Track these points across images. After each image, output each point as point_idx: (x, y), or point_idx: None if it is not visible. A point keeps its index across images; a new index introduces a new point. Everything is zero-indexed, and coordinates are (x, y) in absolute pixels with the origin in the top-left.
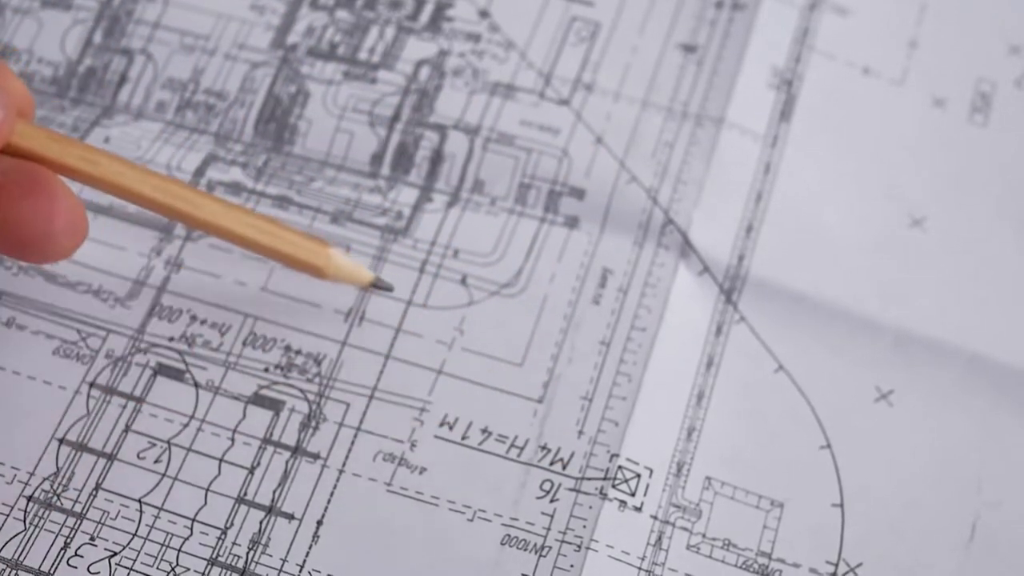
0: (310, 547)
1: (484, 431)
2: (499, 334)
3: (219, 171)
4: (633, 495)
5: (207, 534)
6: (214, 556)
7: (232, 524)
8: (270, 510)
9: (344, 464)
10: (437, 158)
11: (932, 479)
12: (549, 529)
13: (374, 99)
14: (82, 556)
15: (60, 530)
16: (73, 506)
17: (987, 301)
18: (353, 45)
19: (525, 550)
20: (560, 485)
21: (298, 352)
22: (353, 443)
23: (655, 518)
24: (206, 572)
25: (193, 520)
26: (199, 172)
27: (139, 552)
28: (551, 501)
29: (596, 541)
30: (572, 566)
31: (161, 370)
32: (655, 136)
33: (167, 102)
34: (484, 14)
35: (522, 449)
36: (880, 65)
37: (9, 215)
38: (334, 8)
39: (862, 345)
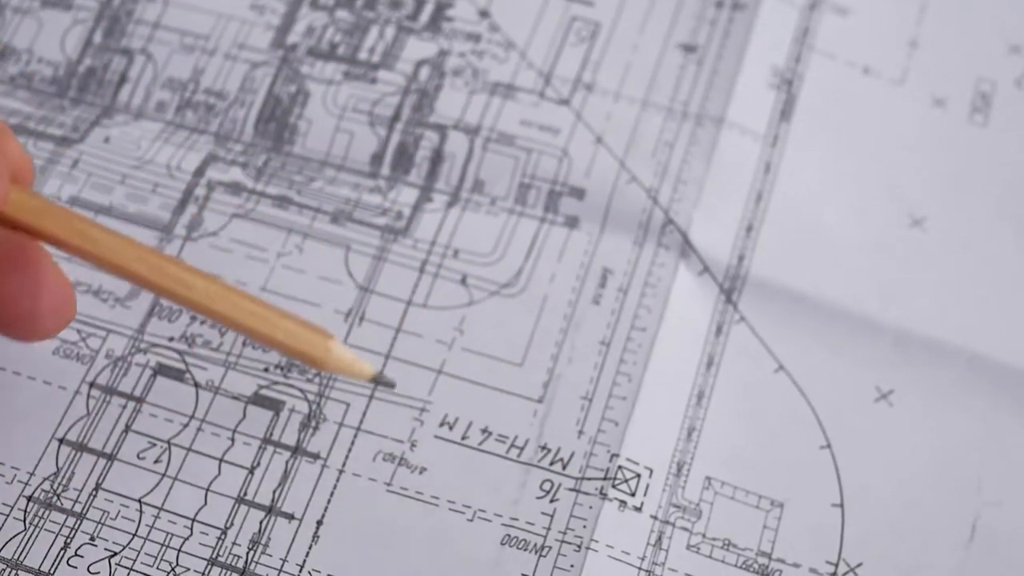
0: (310, 547)
1: (484, 431)
2: (499, 334)
3: (219, 171)
4: (633, 495)
5: (207, 534)
6: (214, 556)
7: (232, 524)
8: (270, 510)
9: (344, 464)
10: (437, 158)
11: (932, 479)
12: (549, 529)
13: (374, 99)
14: (82, 556)
15: (60, 530)
16: (73, 506)
17: (987, 301)
18: (353, 45)
19: (525, 550)
20: (560, 485)
21: None
22: (353, 443)
23: (655, 518)
24: (206, 572)
25: (193, 520)
26: (199, 172)
27: (139, 552)
28: (551, 501)
29: (596, 541)
30: (572, 566)
31: (161, 370)
32: (655, 136)
33: (167, 102)
34: (484, 14)
35: (522, 449)
36: (880, 65)
37: None
38: (334, 8)
39: (862, 345)
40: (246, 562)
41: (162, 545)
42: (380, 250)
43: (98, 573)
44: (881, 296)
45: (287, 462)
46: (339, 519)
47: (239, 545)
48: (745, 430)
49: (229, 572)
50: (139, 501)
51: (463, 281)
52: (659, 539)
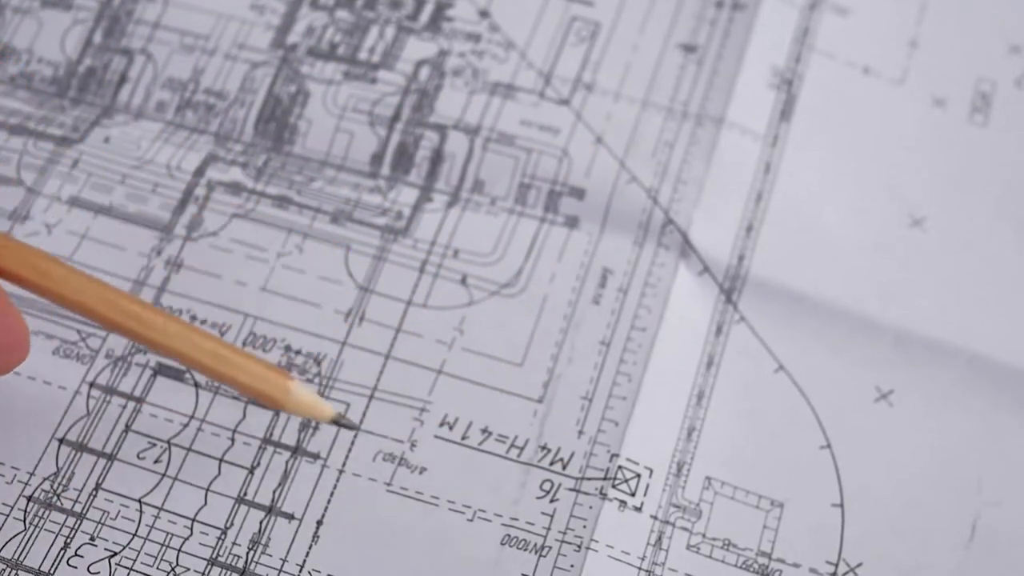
0: (310, 547)
1: (484, 431)
2: (499, 334)
3: (219, 171)
4: (633, 495)
5: (207, 534)
6: (214, 556)
7: (232, 524)
8: (270, 510)
9: (344, 464)
10: (437, 158)
11: (932, 479)
12: (549, 529)
13: (374, 99)
14: (82, 556)
15: (60, 530)
16: (73, 506)
17: (987, 301)
18: (353, 45)
19: (525, 550)
20: (560, 485)
21: (298, 352)
22: (353, 443)
23: (655, 518)
24: (206, 572)
25: (193, 520)
26: (199, 172)
27: (139, 552)
28: (551, 501)
29: (596, 541)
30: (572, 566)
31: (161, 370)
32: (655, 136)
33: (167, 102)
34: (484, 14)
35: (522, 449)
36: (880, 65)
37: None
38: (334, 8)
39: (862, 345)
40: (246, 562)
41: (162, 545)
42: (380, 250)
43: (98, 573)
44: (881, 296)
45: (287, 462)
46: (339, 519)
47: (239, 545)
48: (745, 430)
49: (229, 572)
50: (139, 501)
51: (463, 281)
52: (659, 539)
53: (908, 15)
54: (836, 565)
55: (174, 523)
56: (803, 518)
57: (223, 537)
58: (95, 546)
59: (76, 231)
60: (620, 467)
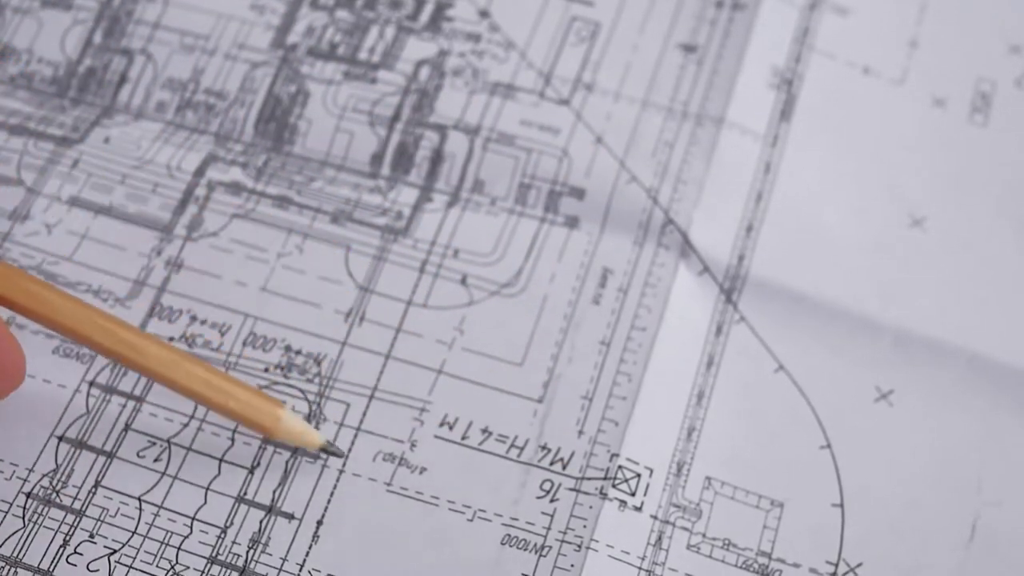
0: (310, 547)
1: (484, 431)
2: (499, 334)
3: (219, 171)
4: (633, 495)
5: (207, 533)
6: (214, 554)
7: (232, 523)
8: (270, 509)
9: (344, 464)
10: (437, 158)
11: (932, 479)
12: (549, 529)
13: (374, 99)
14: (81, 554)
15: (59, 527)
16: (72, 503)
17: (987, 301)
18: (353, 45)
19: (525, 550)
20: (560, 485)
21: (298, 352)
22: (353, 443)
23: (655, 518)
24: (206, 570)
25: (193, 519)
26: (199, 172)
27: (139, 550)
28: (551, 501)
29: (596, 541)
30: (572, 566)
31: None
32: (655, 136)
33: (167, 102)
34: (484, 14)
35: (522, 449)
36: (880, 65)
37: None
38: (334, 8)
39: (862, 345)
40: (246, 561)
41: (162, 543)
42: (380, 250)
43: (97, 571)
44: (881, 296)
45: (287, 462)
46: (339, 519)
47: (239, 544)
48: (745, 430)
49: (229, 571)
50: (139, 499)
51: (463, 281)
52: (659, 539)
53: (908, 15)
54: (836, 565)
55: (174, 521)
56: (803, 518)
57: (223, 536)
58: (94, 543)
59: (76, 231)
60: (620, 467)
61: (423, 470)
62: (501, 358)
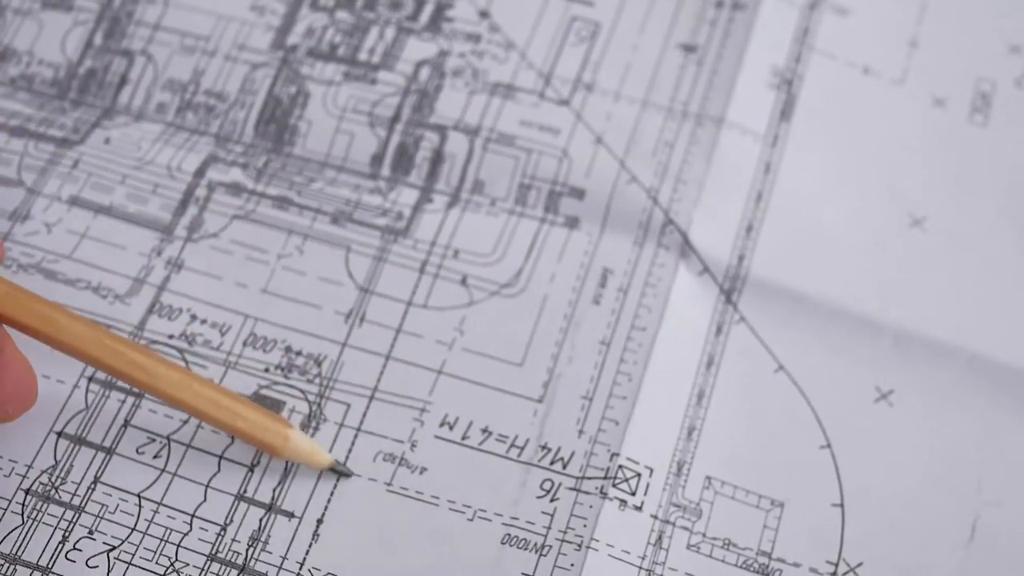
0: (310, 545)
1: (484, 431)
2: (499, 334)
3: (219, 172)
4: (633, 494)
5: (206, 530)
6: (213, 552)
7: (232, 521)
8: (270, 508)
9: (345, 464)
10: (437, 159)
11: (932, 479)
12: (549, 528)
13: (374, 100)
14: (80, 550)
15: (58, 524)
16: (71, 499)
17: (987, 301)
18: (353, 46)
19: (525, 549)
20: (560, 484)
21: (299, 353)
22: (353, 443)
23: (655, 517)
24: (205, 568)
25: (192, 516)
26: (199, 173)
27: (138, 546)
28: (551, 500)
29: (596, 540)
30: (572, 565)
31: None
32: (655, 136)
33: (167, 103)
34: (484, 14)
35: (522, 449)
36: (880, 65)
37: None
38: (334, 9)
39: (862, 345)
40: (246, 559)
41: (161, 540)
42: (380, 251)
43: (97, 567)
44: (881, 296)
45: (287, 461)
46: (339, 518)
47: (239, 542)
48: (745, 430)
49: (228, 568)
50: (138, 496)
51: (463, 281)
52: (659, 538)
53: (908, 15)
54: (836, 565)
55: (173, 518)
56: (803, 518)
57: (222, 533)
58: (93, 540)
59: (76, 230)
60: (620, 466)
61: (423, 470)
62: (501, 358)
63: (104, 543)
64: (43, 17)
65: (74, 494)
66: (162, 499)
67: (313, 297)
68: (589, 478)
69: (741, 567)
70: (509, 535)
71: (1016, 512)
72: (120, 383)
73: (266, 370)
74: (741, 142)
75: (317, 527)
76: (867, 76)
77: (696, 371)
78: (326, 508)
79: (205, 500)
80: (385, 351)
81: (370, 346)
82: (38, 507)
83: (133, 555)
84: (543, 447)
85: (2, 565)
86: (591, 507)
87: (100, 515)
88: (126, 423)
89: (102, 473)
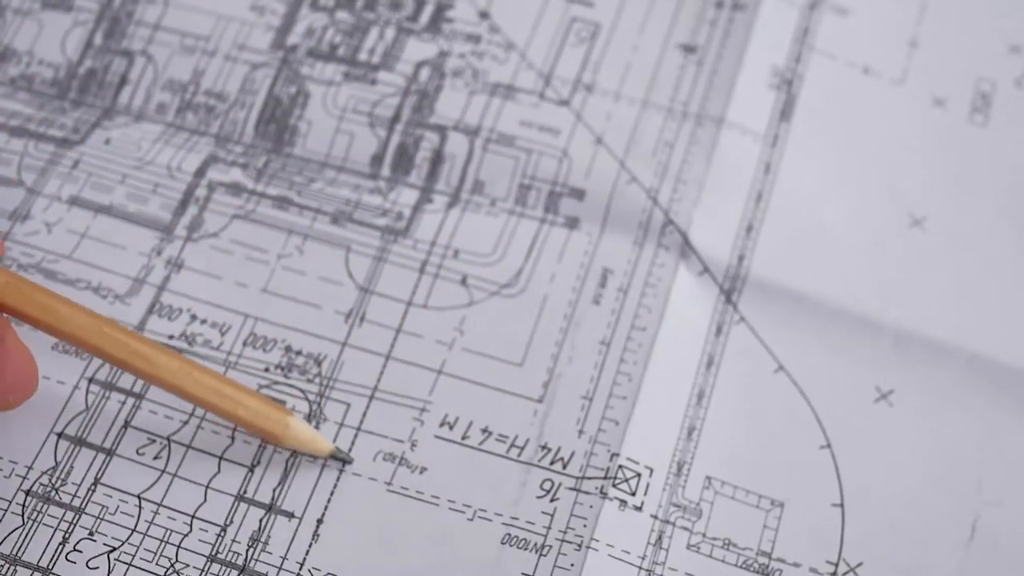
0: (310, 546)
1: (484, 431)
2: (499, 334)
3: (219, 172)
4: (633, 494)
5: (206, 531)
6: (213, 553)
7: (232, 521)
8: (270, 508)
9: (344, 464)
10: (437, 159)
11: (932, 479)
12: (549, 528)
13: (374, 100)
14: (81, 551)
15: (59, 525)
16: (72, 500)
17: (987, 301)
18: (353, 46)
19: (525, 549)
20: (560, 484)
21: (299, 353)
22: (353, 443)
23: (655, 517)
24: (205, 569)
25: (193, 517)
26: (199, 173)
27: (138, 547)
28: (551, 500)
29: (596, 540)
30: (572, 565)
31: None
32: (655, 136)
33: (167, 103)
34: (484, 15)
35: (522, 449)
36: (880, 65)
37: None
38: (334, 9)
39: (862, 345)
40: (246, 559)
41: (161, 541)
42: (380, 251)
43: (97, 568)
44: (881, 296)
45: (287, 461)
46: (339, 518)
47: (239, 542)
48: (745, 430)
49: (228, 569)
50: (138, 497)
51: (463, 281)
52: (659, 538)
53: (908, 15)
54: (836, 565)
55: (173, 519)
56: (803, 518)
57: (223, 534)
58: (94, 541)
59: (76, 230)
60: (620, 466)
61: (423, 470)
62: (501, 358)
63: (104, 544)
64: (43, 17)
65: (74, 495)
66: (162, 500)
67: (313, 297)
68: (589, 478)
69: (741, 567)
70: (509, 535)
71: (1016, 512)
72: (120, 384)
73: (266, 370)
74: (741, 142)
75: (317, 527)
76: (867, 76)
77: (696, 371)
78: (326, 508)
79: (205, 501)
80: (385, 351)
81: (370, 346)
82: (38, 508)
83: (133, 556)
84: (543, 447)
85: (2, 566)
86: (591, 507)
87: (100, 516)
88: (126, 424)
89: (102, 474)
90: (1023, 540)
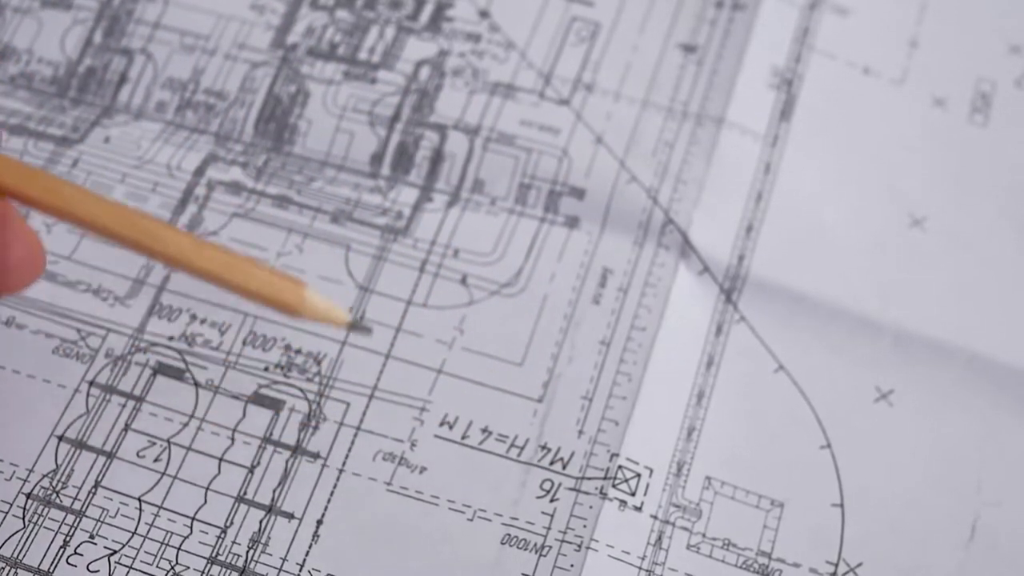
0: (310, 546)
1: (484, 431)
2: (499, 334)
3: (219, 171)
4: (633, 495)
5: (207, 533)
6: (214, 555)
7: (232, 523)
8: (270, 509)
9: (344, 464)
10: (437, 158)
11: (932, 479)
12: (549, 529)
13: (374, 99)
14: (81, 554)
15: (59, 528)
16: (72, 503)
17: (987, 301)
18: (353, 45)
19: (525, 550)
20: (560, 485)
21: (298, 351)
22: (353, 443)
23: (655, 518)
24: (206, 571)
25: (193, 519)
26: (199, 172)
27: (139, 550)
28: (551, 501)
29: (596, 541)
30: (572, 566)
31: (161, 369)
32: (655, 136)
33: (167, 102)
34: (484, 14)
35: (522, 449)
36: (880, 65)
37: None
38: (334, 8)
39: (862, 345)
40: (246, 561)
41: (162, 543)
42: (380, 250)
43: (98, 571)
44: (881, 296)
45: (287, 461)
46: (339, 519)
47: (239, 544)
48: (745, 430)
49: (229, 571)
50: (139, 499)
51: (463, 281)
52: (659, 539)
53: (908, 15)
54: (836, 565)
55: (174, 522)
56: (803, 518)
57: (223, 536)
58: (94, 544)
59: (76, 230)
60: (620, 467)
61: (423, 470)
62: (501, 358)
63: (105, 547)
64: (42, 15)
65: (75, 498)
66: (163, 502)
67: None
68: (589, 478)
69: (741, 567)
70: (509, 535)
71: (1016, 512)
72: (121, 387)
73: (266, 369)
74: (741, 142)
75: (317, 528)
76: (867, 76)
77: (696, 371)
78: (326, 509)
79: (205, 503)
80: (385, 350)
81: (370, 345)
82: (39, 511)
83: (134, 559)
84: (543, 447)
85: (3, 569)
86: (591, 507)
87: (101, 519)
88: (127, 427)
89: (103, 477)
90: (1023, 540)
